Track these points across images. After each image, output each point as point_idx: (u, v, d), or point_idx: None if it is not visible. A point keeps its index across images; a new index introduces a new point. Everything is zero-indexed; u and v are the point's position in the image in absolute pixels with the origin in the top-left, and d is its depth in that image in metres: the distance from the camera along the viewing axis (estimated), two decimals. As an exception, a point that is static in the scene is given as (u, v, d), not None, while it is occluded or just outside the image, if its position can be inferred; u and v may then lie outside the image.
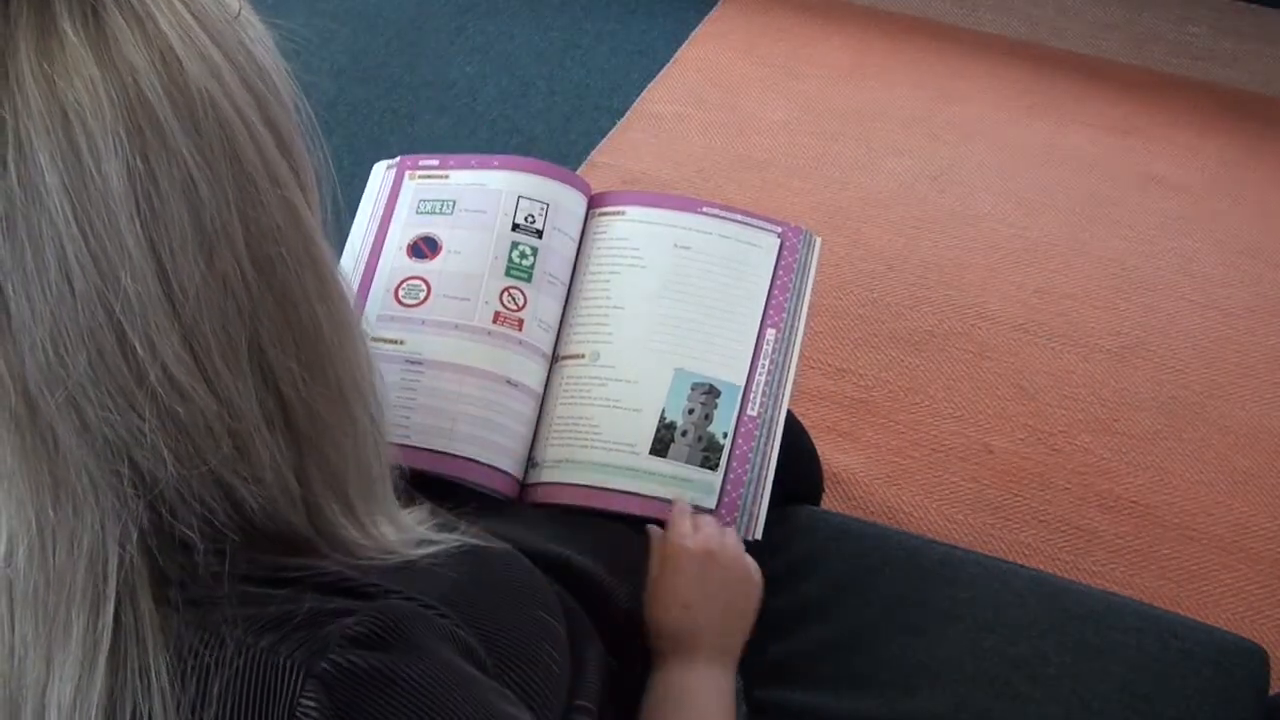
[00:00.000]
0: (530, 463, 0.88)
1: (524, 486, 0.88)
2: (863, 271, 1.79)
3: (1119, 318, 1.74)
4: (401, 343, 0.87)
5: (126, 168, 0.44)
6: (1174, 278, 1.81)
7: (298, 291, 0.50)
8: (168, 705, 0.48)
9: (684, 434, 0.87)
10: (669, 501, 0.86)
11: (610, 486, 0.86)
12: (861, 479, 1.51)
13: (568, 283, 0.93)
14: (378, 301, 0.89)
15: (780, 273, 0.93)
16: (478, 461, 0.85)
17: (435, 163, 0.95)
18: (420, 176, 0.95)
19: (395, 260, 0.91)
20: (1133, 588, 1.40)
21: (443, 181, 0.94)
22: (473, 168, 0.94)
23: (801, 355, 0.91)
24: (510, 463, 0.87)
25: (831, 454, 1.52)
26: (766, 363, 0.90)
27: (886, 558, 0.93)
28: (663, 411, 0.88)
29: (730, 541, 0.83)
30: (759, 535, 0.87)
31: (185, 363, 0.47)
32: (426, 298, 0.89)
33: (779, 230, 0.95)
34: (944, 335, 1.70)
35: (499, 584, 0.63)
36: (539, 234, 0.92)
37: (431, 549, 0.58)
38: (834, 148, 2.02)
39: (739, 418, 0.88)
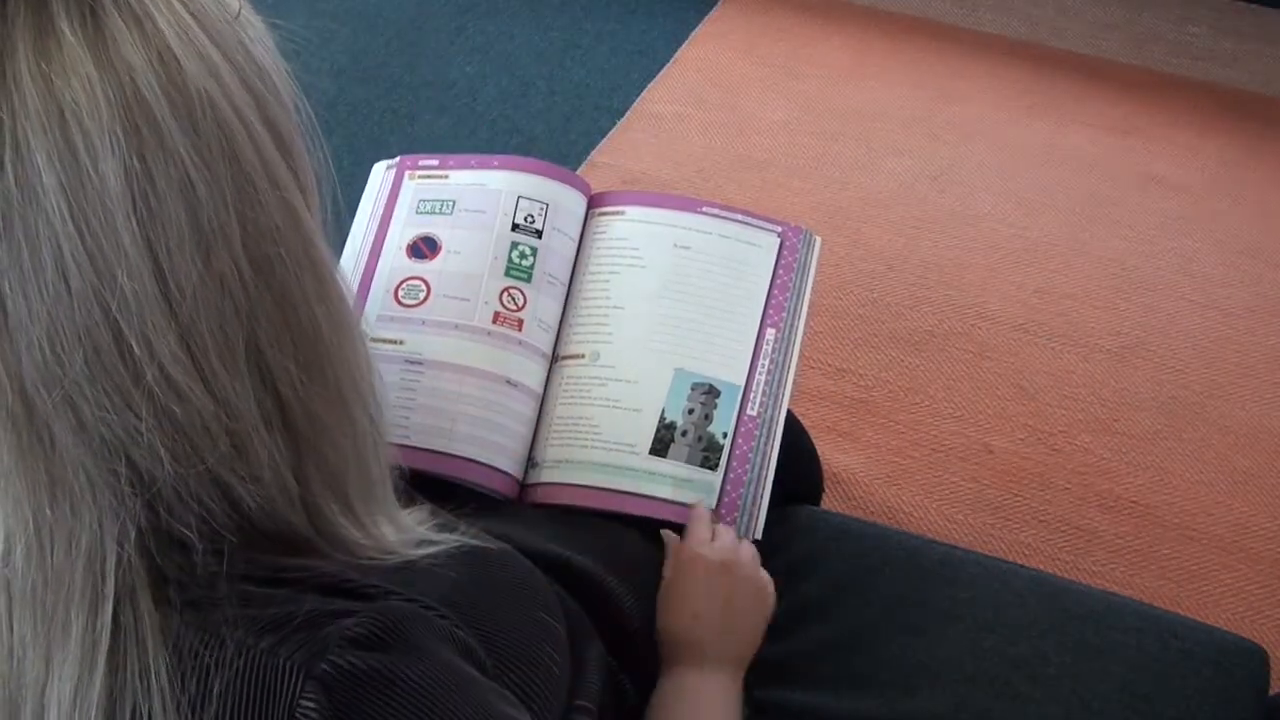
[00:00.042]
0: (530, 463, 0.88)
1: (524, 487, 0.88)
2: (863, 271, 1.79)
3: (1119, 318, 1.74)
4: (401, 343, 0.87)
5: (123, 167, 0.44)
6: (1174, 278, 1.81)
7: (296, 292, 0.50)
8: (167, 705, 0.48)
9: (684, 434, 0.87)
10: (669, 502, 0.86)
11: (610, 487, 0.86)
12: (861, 479, 1.51)
13: (567, 283, 0.93)
14: (377, 302, 0.89)
15: (780, 272, 0.93)
16: (477, 461, 0.85)
17: (435, 163, 0.95)
18: (420, 176, 0.95)
19: (395, 260, 0.91)
20: (1133, 588, 1.40)
21: (442, 181, 0.94)
22: (472, 168, 0.94)
23: (801, 355, 0.91)
24: (510, 463, 0.86)
25: (831, 454, 1.52)
26: (766, 362, 0.90)
27: (886, 558, 0.93)
28: (663, 411, 0.88)
29: (747, 554, 0.83)
30: (759, 535, 0.87)
31: (182, 362, 0.47)
32: (426, 298, 0.89)
33: (779, 230, 0.95)
34: (944, 335, 1.70)
35: (499, 584, 0.63)
36: (539, 234, 0.92)
37: (431, 549, 0.58)
38: (834, 148, 2.02)
39: (739, 418, 0.88)
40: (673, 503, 0.86)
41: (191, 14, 0.47)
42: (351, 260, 0.92)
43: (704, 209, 0.95)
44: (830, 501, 1.46)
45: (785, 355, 0.91)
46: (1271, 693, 0.91)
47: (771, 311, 0.92)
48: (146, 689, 0.48)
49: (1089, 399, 1.61)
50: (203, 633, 0.49)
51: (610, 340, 0.90)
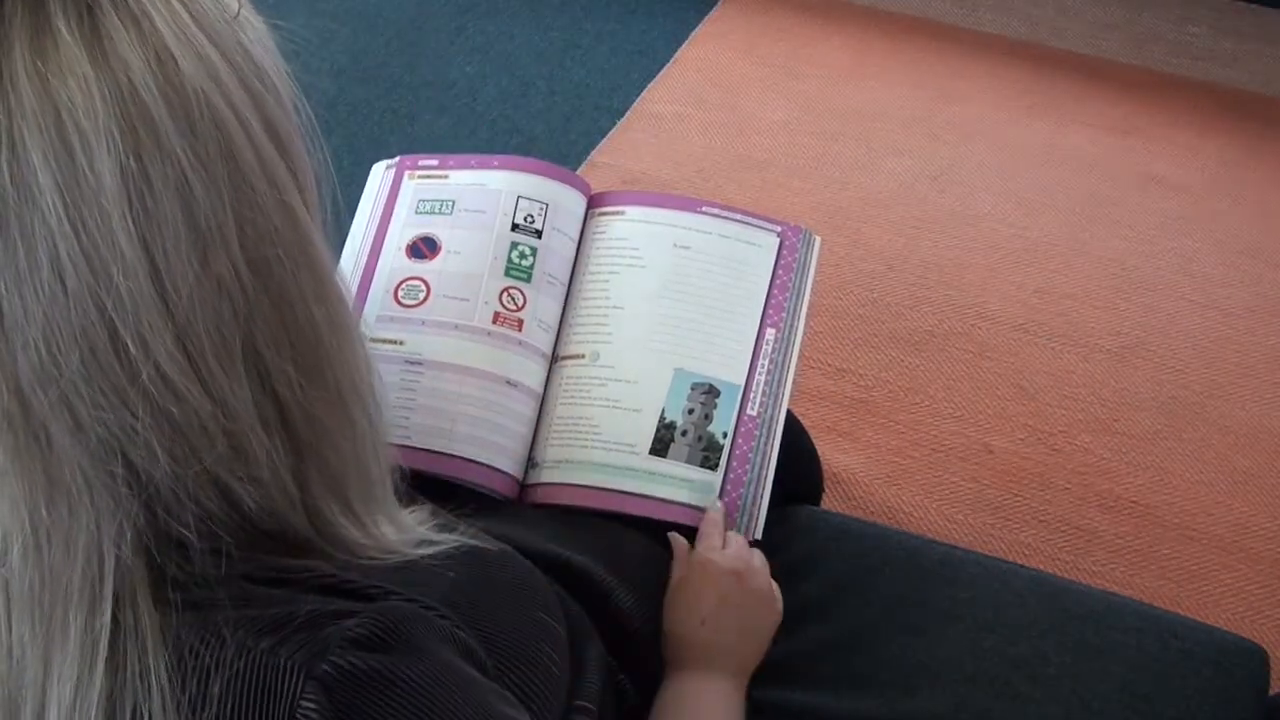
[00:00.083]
0: (530, 463, 0.88)
1: (524, 487, 0.88)
2: (863, 271, 1.79)
3: (1119, 318, 1.74)
4: (401, 343, 0.87)
5: (119, 166, 0.44)
6: (1174, 278, 1.81)
7: (294, 293, 0.50)
8: (167, 705, 0.48)
9: (684, 434, 0.87)
10: (669, 502, 0.86)
11: (610, 487, 0.86)
12: (861, 479, 1.51)
13: (567, 283, 0.93)
14: (377, 302, 0.89)
15: (780, 272, 0.93)
16: (477, 462, 0.85)
17: (435, 163, 0.95)
18: (419, 176, 0.95)
19: (394, 260, 0.91)
20: (1133, 588, 1.40)
21: (442, 181, 0.94)
22: (472, 168, 0.94)
23: (801, 355, 0.91)
24: (510, 463, 0.86)
25: (831, 454, 1.52)
26: (766, 362, 0.90)
27: (886, 558, 0.93)
28: (662, 411, 0.88)
29: (757, 563, 0.83)
30: (759, 535, 0.87)
31: (178, 362, 0.47)
32: (426, 298, 0.89)
33: (778, 230, 0.95)
34: (944, 335, 1.70)
35: (499, 585, 0.63)
36: (538, 234, 0.92)
37: (432, 549, 0.58)
38: (834, 148, 2.02)
39: (739, 417, 0.88)
40: (673, 503, 0.86)
41: (190, 14, 0.47)
42: (351, 260, 0.92)
43: (704, 209, 0.95)
44: (830, 501, 1.46)
45: (785, 355, 0.91)
46: (1271, 693, 0.91)
47: (771, 311, 0.92)
48: (146, 689, 0.48)
49: (1089, 399, 1.61)
50: (203, 633, 0.49)
51: (610, 340, 0.90)
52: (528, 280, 0.90)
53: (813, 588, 0.91)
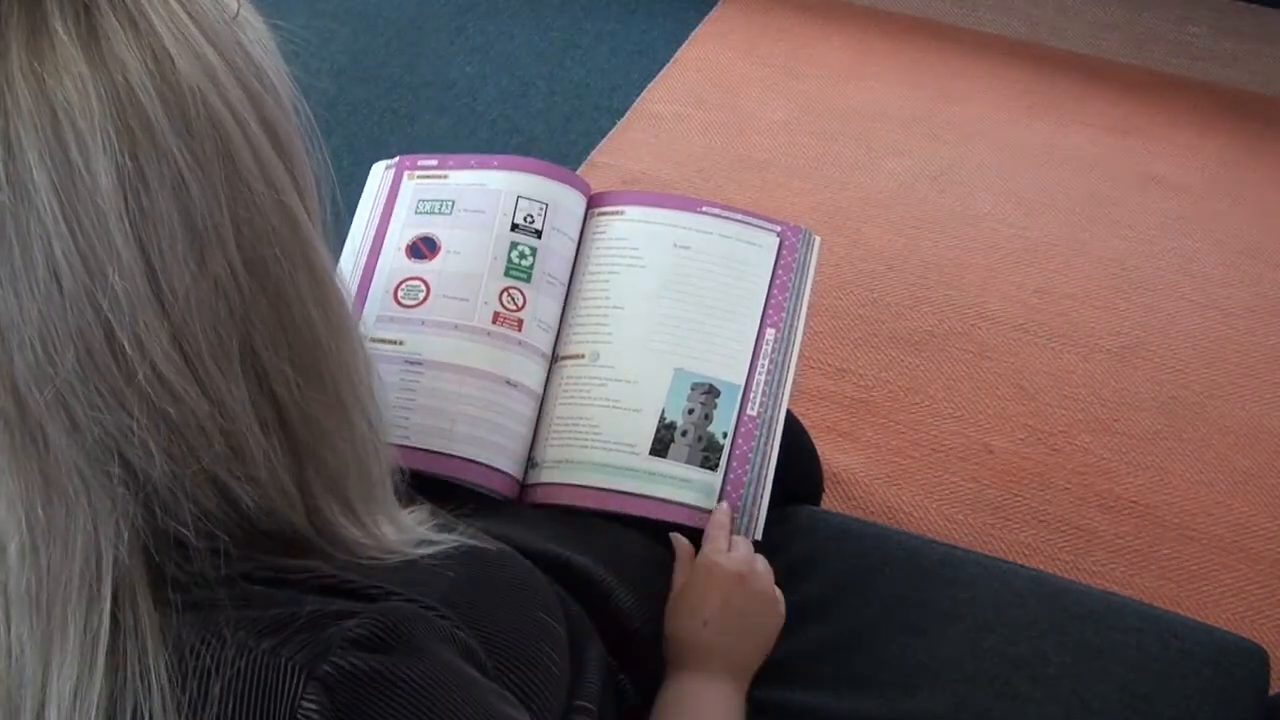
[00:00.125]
0: (530, 463, 0.88)
1: (524, 487, 0.88)
2: (863, 271, 1.79)
3: (1119, 318, 1.74)
4: (401, 343, 0.87)
5: (115, 166, 0.44)
6: (1174, 278, 1.81)
7: (292, 293, 0.50)
8: (168, 705, 0.48)
9: (684, 434, 0.87)
10: (669, 502, 0.86)
11: (610, 487, 0.86)
12: (861, 479, 1.51)
13: (567, 283, 0.93)
14: (377, 302, 0.89)
15: (780, 272, 0.93)
16: (477, 462, 0.85)
17: (434, 163, 0.95)
18: (419, 176, 0.95)
19: (394, 261, 0.91)
20: (1133, 588, 1.40)
21: (442, 181, 0.94)
22: (472, 168, 0.94)
23: (801, 355, 0.91)
24: (510, 463, 0.86)
25: (831, 454, 1.52)
26: (766, 362, 0.90)
27: (886, 558, 0.93)
28: (662, 411, 0.88)
29: (762, 568, 0.83)
30: (759, 535, 0.87)
31: (175, 362, 0.47)
32: (426, 298, 0.89)
33: (778, 229, 0.95)
34: (944, 335, 1.70)
35: (499, 585, 0.63)
36: (538, 234, 0.92)
37: (432, 549, 0.58)
38: (834, 148, 2.02)
39: (739, 418, 0.88)
40: (673, 503, 0.86)
41: (188, 14, 0.47)
42: (350, 260, 0.92)
43: (704, 209, 0.95)
44: (830, 501, 1.46)
45: (785, 355, 0.91)
46: (1271, 693, 0.91)
47: (771, 311, 0.92)
48: (147, 689, 0.48)
49: (1089, 399, 1.61)
50: (204, 633, 0.49)
51: (610, 340, 0.90)
52: (527, 280, 0.90)
53: (813, 588, 0.91)
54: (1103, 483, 1.51)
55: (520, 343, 0.88)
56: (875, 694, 0.85)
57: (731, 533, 0.85)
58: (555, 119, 2.08)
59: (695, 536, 0.86)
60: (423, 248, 0.91)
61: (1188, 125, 2.10)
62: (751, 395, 0.89)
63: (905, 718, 0.83)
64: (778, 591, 0.84)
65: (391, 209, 0.93)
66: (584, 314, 0.92)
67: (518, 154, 1.12)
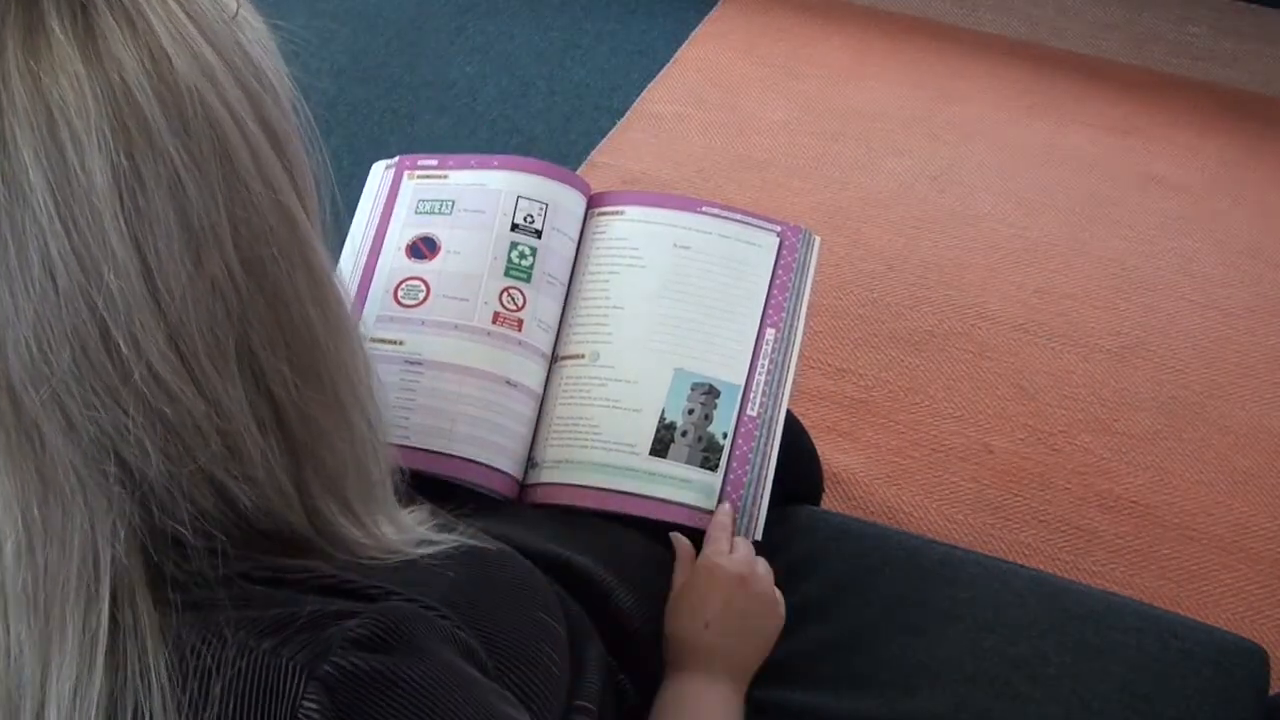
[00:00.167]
0: (530, 463, 0.88)
1: (524, 487, 0.88)
2: (863, 271, 1.79)
3: (1119, 318, 1.74)
4: (401, 343, 0.87)
5: (111, 165, 0.44)
6: (1174, 278, 1.81)
7: (290, 293, 0.50)
8: (168, 705, 0.48)
9: (684, 434, 0.87)
10: (669, 502, 0.86)
11: (610, 487, 0.86)
12: (861, 479, 1.51)
13: (567, 283, 0.93)
14: (377, 302, 0.89)
15: (780, 272, 0.93)
16: (477, 462, 0.85)
17: (434, 163, 0.95)
18: (419, 176, 0.95)
19: (394, 260, 0.91)
20: (1133, 588, 1.40)
21: (441, 181, 0.94)
22: (472, 168, 0.94)
23: (801, 355, 0.91)
24: (510, 463, 0.86)
25: (831, 454, 1.52)
26: (766, 362, 0.90)
27: (886, 558, 0.93)
28: (662, 412, 0.88)
29: (763, 569, 0.83)
30: (759, 535, 0.87)
31: (171, 362, 0.46)
32: (426, 298, 0.89)
33: (778, 229, 0.95)
34: (944, 335, 1.70)
35: (499, 585, 0.63)
36: (538, 234, 0.92)
37: (432, 549, 0.58)
38: (834, 148, 2.02)
39: (739, 418, 0.88)
40: (673, 503, 0.86)
41: (186, 13, 0.47)
42: (350, 260, 0.92)
43: (704, 209, 0.95)
44: (830, 501, 1.46)
45: (785, 355, 0.91)
46: (1271, 693, 0.91)
47: (771, 311, 0.92)
48: (147, 688, 0.48)
49: (1089, 399, 1.61)
50: (204, 633, 0.49)
51: (610, 340, 0.90)
52: (527, 280, 0.90)
53: (813, 588, 0.91)
54: (1103, 483, 1.51)
55: (520, 343, 0.88)
56: (875, 694, 0.85)
57: (733, 534, 0.85)
58: (555, 119, 2.08)
59: (695, 536, 0.86)
60: (423, 248, 0.91)
61: (1188, 125, 2.10)
62: (751, 395, 0.89)
63: (905, 718, 0.83)
64: (778, 593, 0.84)
65: (391, 209, 0.93)
66: (584, 314, 0.92)
67: (518, 154, 1.12)
